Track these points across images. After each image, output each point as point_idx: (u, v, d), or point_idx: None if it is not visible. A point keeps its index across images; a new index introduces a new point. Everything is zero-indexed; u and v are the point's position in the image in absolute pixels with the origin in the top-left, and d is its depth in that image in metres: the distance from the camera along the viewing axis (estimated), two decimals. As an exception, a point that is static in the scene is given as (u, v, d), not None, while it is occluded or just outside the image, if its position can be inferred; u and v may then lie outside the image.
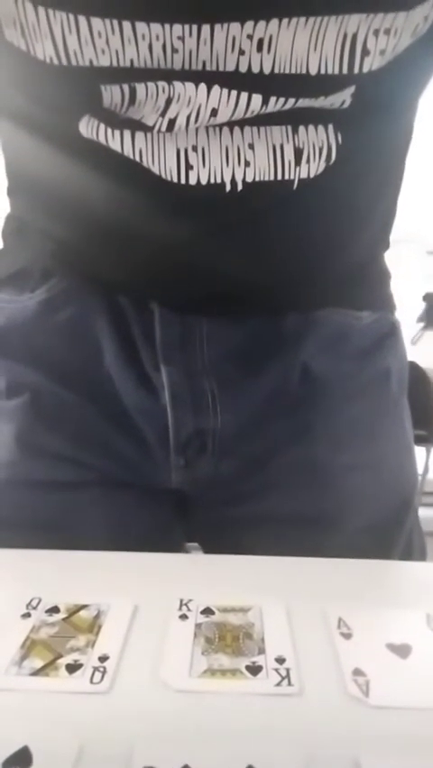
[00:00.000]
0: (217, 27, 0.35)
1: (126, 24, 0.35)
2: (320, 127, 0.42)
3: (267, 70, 0.37)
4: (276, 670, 0.35)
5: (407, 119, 0.50)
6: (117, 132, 0.41)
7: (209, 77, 0.38)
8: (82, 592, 0.42)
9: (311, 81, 0.38)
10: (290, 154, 0.42)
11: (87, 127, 0.41)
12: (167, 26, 0.35)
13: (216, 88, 0.38)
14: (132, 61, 0.37)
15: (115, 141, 0.41)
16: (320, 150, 0.43)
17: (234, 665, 0.35)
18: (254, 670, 0.35)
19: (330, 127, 0.42)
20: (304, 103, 0.40)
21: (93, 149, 0.42)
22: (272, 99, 0.39)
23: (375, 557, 0.49)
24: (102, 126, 0.41)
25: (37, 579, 0.44)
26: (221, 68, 0.37)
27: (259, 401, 0.53)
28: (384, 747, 0.30)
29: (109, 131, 0.41)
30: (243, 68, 0.37)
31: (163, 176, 0.42)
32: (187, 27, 0.36)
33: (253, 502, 0.56)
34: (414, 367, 2.09)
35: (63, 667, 0.35)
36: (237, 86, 0.38)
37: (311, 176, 0.43)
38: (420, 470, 2.42)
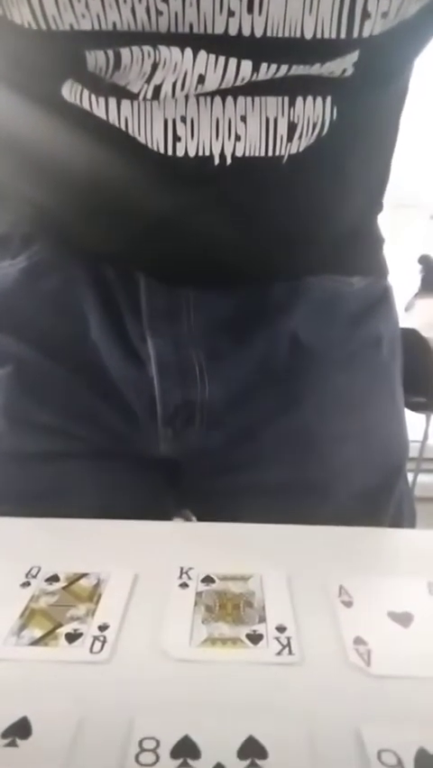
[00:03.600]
0: None
1: None
2: (318, 99, 0.40)
3: (258, 33, 0.35)
4: (277, 638, 0.35)
5: (403, 82, 0.48)
6: (102, 100, 0.39)
7: (196, 41, 0.35)
8: (82, 561, 0.42)
9: (306, 46, 0.36)
10: (283, 129, 0.40)
11: (71, 93, 0.39)
12: None
13: (202, 53, 0.36)
14: (114, 24, 0.35)
15: (99, 108, 0.39)
16: (314, 125, 0.41)
17: (234, 634, 0.35)
18: (255, 638, 0.35)
19: (328, 99, 0.40)
20: (298, 70, 0.37)
21: (77, 113, 0.40)
22: (263, 66, 0.36)
23: (365, 524, 0.48)
24: (86, 92, 0.39)
25: (37, 547, 0.44)
26: (209, 31, 0.35)
27: (247, 372, 0.52)
28: (385, 716, 0.30)
29: (93, 98, 0.39)
30: (232, 31, 0.35)
31: (150, 146, 0.40)
32: None
33: (243, 472, 0.56)
34: (414, 334, 2.07)
35: (63, 636, 0.35)
36: (226, 51, 0.36)
37: (301, 150, 0.41)
38: (420, 436, 2.41)
